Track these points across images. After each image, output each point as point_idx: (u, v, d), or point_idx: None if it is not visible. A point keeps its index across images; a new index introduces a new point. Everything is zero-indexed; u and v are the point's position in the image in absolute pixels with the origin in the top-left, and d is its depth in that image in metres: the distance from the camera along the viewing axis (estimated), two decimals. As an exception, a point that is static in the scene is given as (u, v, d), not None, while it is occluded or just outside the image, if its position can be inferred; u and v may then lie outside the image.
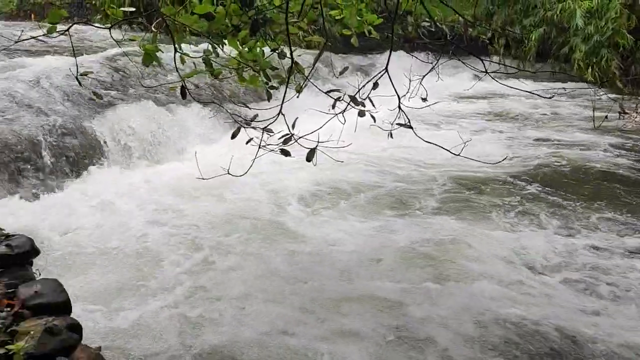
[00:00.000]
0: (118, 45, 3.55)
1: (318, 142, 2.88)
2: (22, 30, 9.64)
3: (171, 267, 4.64)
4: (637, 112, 10.37)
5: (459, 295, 4.31)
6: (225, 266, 4.69)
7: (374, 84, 2.99)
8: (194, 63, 3.40)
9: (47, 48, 9.03)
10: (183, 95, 3.17)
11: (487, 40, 14.41)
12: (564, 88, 11.66)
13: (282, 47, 3.49)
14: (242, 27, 3.47)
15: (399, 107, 2.94)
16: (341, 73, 3.84)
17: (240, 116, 3.50)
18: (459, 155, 2.87)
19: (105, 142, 6.82)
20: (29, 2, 17.76)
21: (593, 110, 10.13)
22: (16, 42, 3.36)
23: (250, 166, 3.09)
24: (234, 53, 3.42)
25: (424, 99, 3.20)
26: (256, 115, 3.16)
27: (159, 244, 5.01)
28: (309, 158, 2.92)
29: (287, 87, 3.16)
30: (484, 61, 3.06)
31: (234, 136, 3.12)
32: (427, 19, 13.87)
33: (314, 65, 3.45)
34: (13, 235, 3.16)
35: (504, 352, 3.63)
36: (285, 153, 3.00)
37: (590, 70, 12.74)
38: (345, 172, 6.96)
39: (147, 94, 8.03)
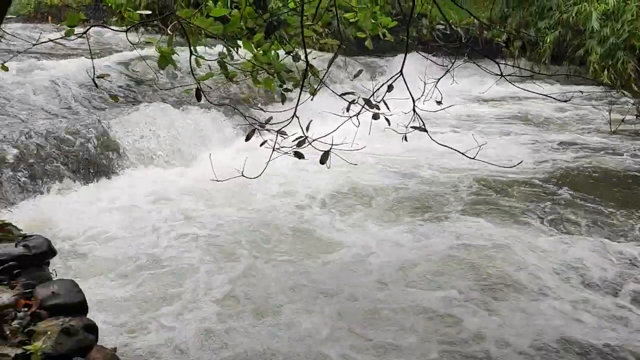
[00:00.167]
0: (134, 47, 3.58)
1: (332, 144, 2.88)
2: (41, 32, 9.77)
3: (195, 275, 4.49)
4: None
5: (513, 309, 4.00)
6: (253, 275, 4.53)
7: (388, 86, 2.98)
8: (209, 66, 3.41)
9: (65, 50, 9.13)
10: (198, 97, 3.19)
11: (502, 43, 14.31)
12: (580, 91, 11.56)
13: (296, 49, 3.50)
14: (257, 30, 3.49)
15: (414, 110, 2.93)
16: (355, 76, 3.85)
17: (254, 119, 3.51)
18: (473, 158, 2.85)
19: (121, 145, 6.87)
20: (45, 5, 17.97)
21: (609, 114, 10.03)
22: (34, 44, 3.40)
23: (265, 168, 3.08)
24: (249, 56, 3.44)
25: (439, 102, 3.19)
26: (270, 118, 3.17)
27: (179, 250, 4.91)
28: (322, 160, 2.92)
29: (301, 90, 3.16)
30: (499, 64, 3.04)
31: (248, 139, 3.13)
32: (441, 22, 13.82)
33: (328, 68, 3.45)
34: (30, 236, 3.20)
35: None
36: (299, 156, 3.01)
37: (606, 72, 12.63)
38: (364, 175, 6.86)
39: (162, 97, 8.10)
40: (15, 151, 5.81)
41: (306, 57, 3.03)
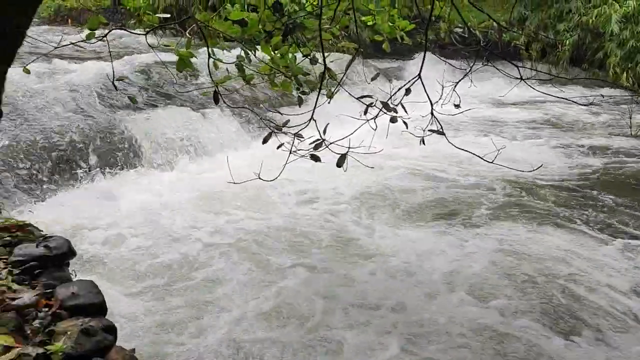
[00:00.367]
0: (153, 50, 3.61)
1: (349, 147, 2.88)
2: (62, 36, 9.90)
3: (230, 284, 4.29)
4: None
5: (590, 336, 3.64)
6: (284, 284, 4.32)
7: (406, 90, 2.97)
8: (227, 69, 3.43)
9: (85, 53, 9.24)
10: (216, 100, 3.21)
11: (521, 46, 14.21)
12: (601, 95, 11.42)
13: (314, 52, 3.51)
14: (274, 33, 3.50)
15: (432, 113, 2.92)
16: (373, 79, 3.84)
17: (272, 121, 3.52)
18: (492, 162, 2.83)
19: (139, 148, 6.93)
20: (65, 8, 18.22)
21: (630, 117, 9.92)
22: (56, 47, 3.45)
23: (282, 171, 3.07)
24: (267, 59, 3.45)
25: (457, 106, 3.17)
26: (288, 121, 3.17)
27: (200, 255, 4.77)
28: (339, 163, 2.92)
29: (319, 93, 3.16)
30: (519, 67, 3.02)
31: (265, 141, 3.14)
32: (460, 25, 13.76)
33: (345, 71, 3.45)
34: (51, 237, 3.23)
35: None
36: (316, 158, 3.01)
37: (625, 75, 12.51)
38: (385, 179, 6.73)
39: (181, 99, 8.16)
40: (31, 153, 5.90)
41: (324, 60, 3.03)
